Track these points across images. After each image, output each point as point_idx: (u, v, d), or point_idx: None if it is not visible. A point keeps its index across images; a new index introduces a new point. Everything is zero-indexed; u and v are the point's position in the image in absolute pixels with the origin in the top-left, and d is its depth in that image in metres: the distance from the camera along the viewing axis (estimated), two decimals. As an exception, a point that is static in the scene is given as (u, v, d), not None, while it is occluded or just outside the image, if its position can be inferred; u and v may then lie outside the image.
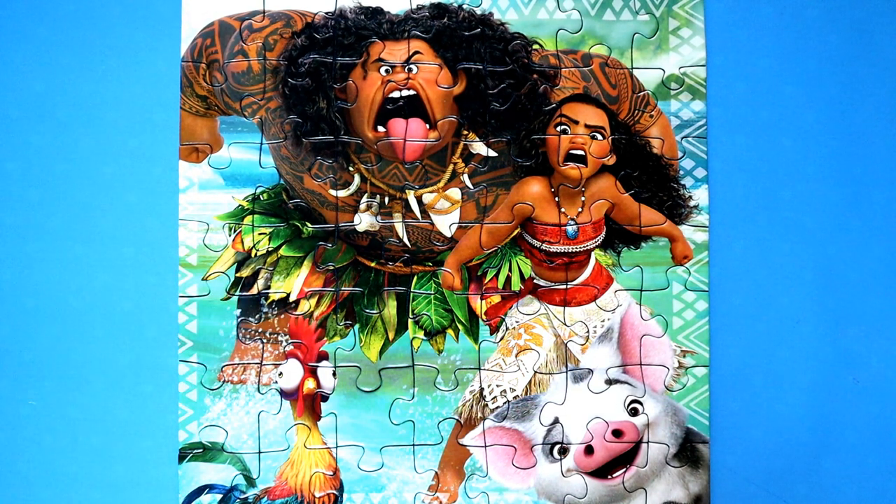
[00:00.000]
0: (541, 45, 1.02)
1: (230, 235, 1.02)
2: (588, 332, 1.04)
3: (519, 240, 1.04)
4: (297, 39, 1.00)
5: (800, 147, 1.05)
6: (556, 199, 1.02)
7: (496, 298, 1.04)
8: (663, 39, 1.04)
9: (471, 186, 1.03)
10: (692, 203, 1.04)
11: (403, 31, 1.00)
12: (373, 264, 1.04)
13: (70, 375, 1.02)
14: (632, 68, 1.03)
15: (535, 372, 1.03)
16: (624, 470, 1.01)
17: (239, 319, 1.02)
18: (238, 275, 1.02)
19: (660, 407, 1.02)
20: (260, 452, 1.02)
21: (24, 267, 1.02)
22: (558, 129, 1.01)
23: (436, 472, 1.03)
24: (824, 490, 1.04)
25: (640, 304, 1.04)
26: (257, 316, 1.02)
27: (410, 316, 1.03)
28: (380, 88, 0.99)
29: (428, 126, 1.00)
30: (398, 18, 1.00)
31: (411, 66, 0.99)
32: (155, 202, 1.02)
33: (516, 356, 1.03)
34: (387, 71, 0.99)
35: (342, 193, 1.02)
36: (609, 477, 1.01)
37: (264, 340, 1.02)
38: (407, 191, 1.02)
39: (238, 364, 1.02)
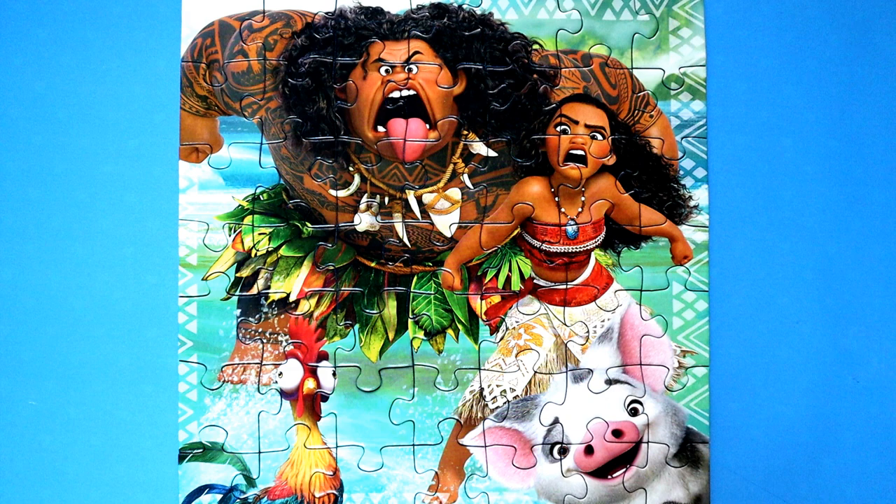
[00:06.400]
0: (541, 45, 1.02)
1: (230, 235, 1.02)
2: (588, 332, 1.04)
3: (519, 240, 1.04)
4: (297, 39, 1.00)
5: (800, 147, 1.05)
6: (556, 199, 1.02)
7: (496, 298, 1.04)
8: (663, 39, 1.04)
9: (471, 186, 1.03)
10: (692, 203, 1.04)
11: (403, 31, 1.00)
12: (373, 264, 1.04)
13: (70, 375, 1.02)
14: (632, 68, 1.03)
15: (535, 372, 1.03)
16: (624, 470, 1.01)
17: (239, 319, 1.02)
18: (238, 275, 1.02)
19: (660, 407, 1.02)
20: (260, 452, 1.02)
21: (24, 267, 1.02)
22: (558, 129, 1.01)
23: (436, 472, 1.03)
24: (824, 490, 1.04)
25: (640, 304, 1.04)
26: (257, 316, 1.02)
27: (410, 316, 1.03)
28: (380, 88, 0.99)
29: (428, 126, 1.00)
30: (398, 18, 1.00)
31: (411, 66, 0.99)
32: (155, 202, 1.02)
33: (516, 356, 1.03)
34: (387, 71, 0.99)
35: (342, 193, 1.02)
36: (609, 477, 1.01)
37: (264, 340, 1.02)
38: (407, 191, 1.02)
39: (238, 364, 1.02)
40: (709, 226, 1.04)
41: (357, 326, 1.03)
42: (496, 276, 1.04)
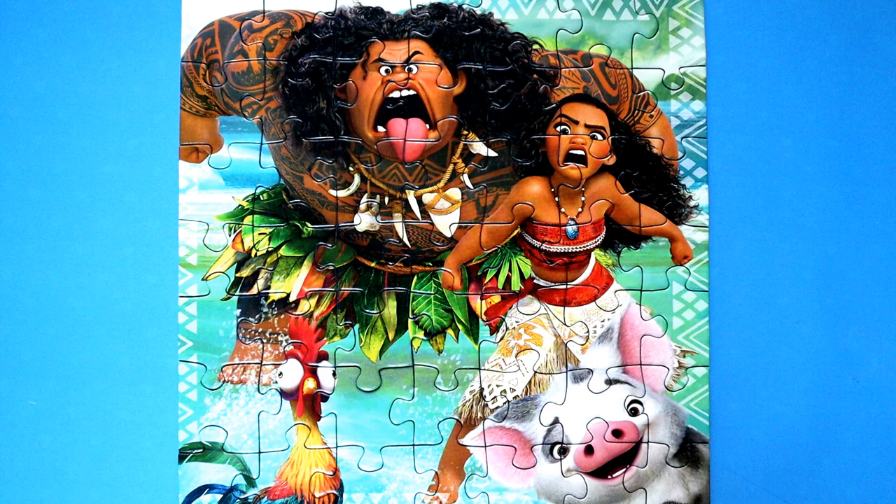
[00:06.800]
0: (541, 45, 1.02)
1: (230, 235, 1.02)
2: (588, 332, 1.04)
3: (519, 240, 1.04)
4: (297, 39, 1.00)
5: (800, 147, 1.05)
6: (556, 199, 1.02)
7: (496, 298, 1.04)
8: (663, 39, 1.04)
9: (471, 186, 1.03)
10: (692, 203, 1.04)
11: (403, 31, 1.00)
12: (373, 264, 1.04)
13: (70, 375, 1.02)
14: (632, 68, 1.03)
15: (535, 372, 1.03)
16: (624, 470, 1.01)
17: (239, 319, 1.02)
18: (238, 275, 1.02)
19: (660, 407, 1.02)
20: (260, 452, 1.02)
21: (24, 267, 1.02)
22: (558, 129, 1.01)
23: (436, 472, 1.03)
24: (824, 490, 1.04)
25: (640, 304, 1.04)
26: (257, 316, 1.02)
27: (410, 316, 1.03)
28: (380, 88, 0.99)
29: (428, 126, 1.00)
30: (398, 18, 1.00)
31: (411, 66, 0.99)
32: (155, 202, 1.02)
33: (516, 356, 1.03)
34: (387, 71, 0.99)
35: (342, 193, 1.02)
36: (609, 477, 1.01)
37: (264, 340, 1.02)
38: (407, 191, 1.02)
39: (238, 364, 1.02)
40: (709, 226, 1.04)
41: (357, 326, 1.03)
42: (496, 276, 1.04)
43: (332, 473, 1.02)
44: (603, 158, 1.01)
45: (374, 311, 1.04)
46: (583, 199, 1.02)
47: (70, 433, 1.02)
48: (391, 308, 1.04)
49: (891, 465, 1.05)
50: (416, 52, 0.99)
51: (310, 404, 1.01)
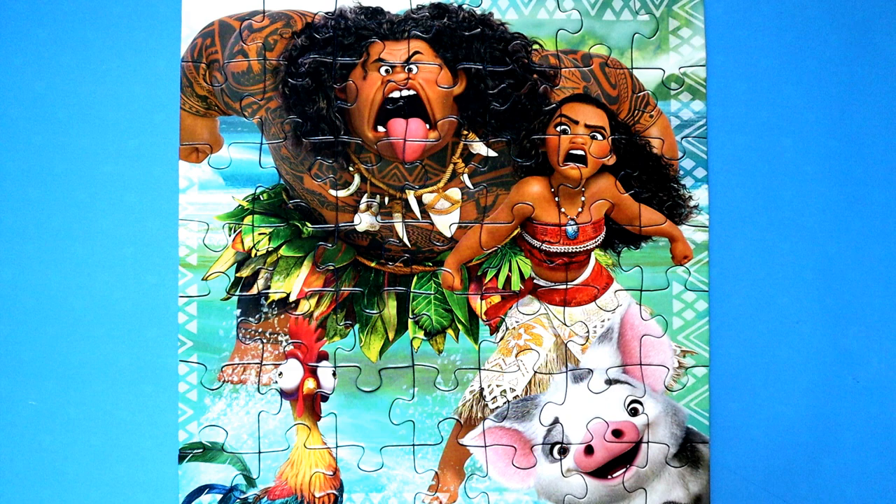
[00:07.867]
0: (541, 45, 1.02)
1: (230, 235, 1.02)
2: (588, 332, 1.04)
3: (519, 240, 1.04)
4: (297, 39, 1.00)
5: (800, 147, 1.05)
6: (556, 199, 1.02)
7: (496, 298, 1.04)
8: (663, 39, 1.04)
9: (471, 186, 1.03)
10: (692, 203, 1.04)
11: (403, 31, 1.00)
12: (373, 264, 1.04)
13: (70, 375, 1.02)
14: (632, 68, 1.03)
15: (535, 372, 1.03)
16: (624, 470, 1.01)
17: (239, 319, 1.02)
18: (238, 275, 1.02)
19: (660, 407, 1.02)
20: (260, 452, 1.02)
21: (24, 267, 1.02)
22: (558, 129, 1.01)
23: (436, 472, 1.03)
24: (824, 490, 1.04)
25: (640, 304, 1.04)
26: (257, 316, 1.02)
27: (410, 316, 1.03)
28: (380, 88, 0.99)
29: (428, 126, 1.00)
30: (398, 18, 1.00)
31: (411, 66, 0.99)
32: (155, 202, 1.02)
33: (516, 356, 1.03)
34: (387, 71, 0.99)
35: (342, 193, 1.02)
36: (609, 477, 1.01)
37: (264, 340, 1.02)
38: (407, 191, 1.02)
39: (238, 364, 1.02)
40: (709, 226, 1.04)
41: (357, 326, 1.03)
42: (496, 276, 1.04)
43: (332, 473, 1.02)
44: (603, 158, 1.01)
45: (374, 311, 1.04)
46: (583, 199, 1.02)
47: (70, 433, 1.02)
48: (391, 308, 1.04)
49: (891, 465, 1.05)
50: (416, 52, 0.99)
51: (310, 404, 1.01)
